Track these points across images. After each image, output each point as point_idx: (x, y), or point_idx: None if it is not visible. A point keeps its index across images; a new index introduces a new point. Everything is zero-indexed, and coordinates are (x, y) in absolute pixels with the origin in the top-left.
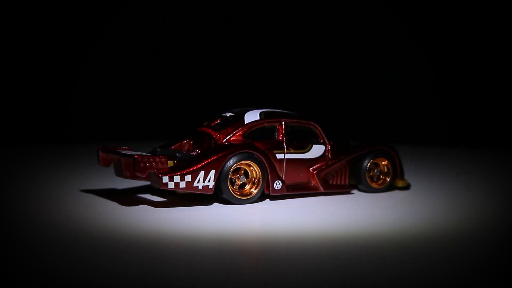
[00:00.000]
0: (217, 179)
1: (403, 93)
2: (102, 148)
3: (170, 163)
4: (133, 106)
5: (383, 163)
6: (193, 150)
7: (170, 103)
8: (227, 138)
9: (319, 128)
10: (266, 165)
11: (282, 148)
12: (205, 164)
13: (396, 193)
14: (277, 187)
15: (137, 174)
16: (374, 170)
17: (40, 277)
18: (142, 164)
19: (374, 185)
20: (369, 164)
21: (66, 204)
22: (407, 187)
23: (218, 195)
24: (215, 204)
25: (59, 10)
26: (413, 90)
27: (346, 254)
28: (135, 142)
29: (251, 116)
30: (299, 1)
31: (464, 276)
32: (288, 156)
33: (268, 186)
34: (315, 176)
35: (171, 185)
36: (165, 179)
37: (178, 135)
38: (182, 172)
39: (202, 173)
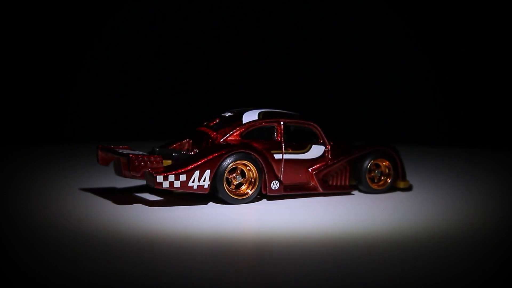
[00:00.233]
0: (213, 178)
1: (403, 93)
2: (101, 147)
3: (168, 162)
4: (133, 106)
5: (384, 164)
6: (192, 150)
7: (170, 103)
8: (224, 138)
9: (318, 128)
10: (263, 165)
11: (280, 148)
12: (200, 164)
13: (396, 194)
14: (275, 187)
15: (132, 173)
16: (375, 171)
17: (40, 277)
18: (136, 163)
19: (374, 186)
20: (369, 164)
21: (66, 204)
22: (408, 188)
23: (214, 195)
24: (215, 204)
25: (59, 10)
26: (413, 90)
27: (346, 254)
28: (135, 142)
29: (249, 116)
30: (299, 1)
31: (464, 276)
32: (286, 156)
33: (265, 186)
34: (314, 177)
35: (165, 184)
36: (159, 178)
37: (178, 135)
38: (177, 171)
39: (197, 172)
